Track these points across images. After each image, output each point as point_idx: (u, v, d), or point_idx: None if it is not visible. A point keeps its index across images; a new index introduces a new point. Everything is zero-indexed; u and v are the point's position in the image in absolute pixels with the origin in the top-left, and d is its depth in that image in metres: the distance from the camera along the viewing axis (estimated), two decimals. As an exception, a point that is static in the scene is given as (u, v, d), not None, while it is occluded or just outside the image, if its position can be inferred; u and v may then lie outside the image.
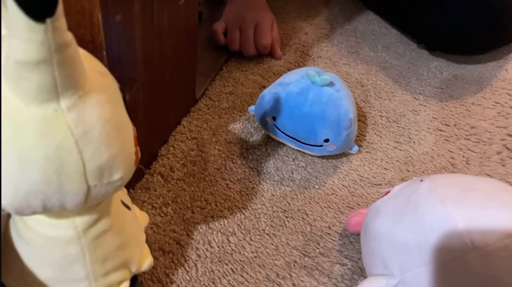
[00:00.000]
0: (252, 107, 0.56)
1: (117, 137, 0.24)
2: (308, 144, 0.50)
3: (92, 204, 0.27)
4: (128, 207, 0.34)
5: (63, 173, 0.23)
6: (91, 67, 0.24)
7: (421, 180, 0.38)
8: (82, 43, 0.33)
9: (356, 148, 0.54)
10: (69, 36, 0.20)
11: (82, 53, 0.25)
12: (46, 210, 0.24)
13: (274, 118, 0.51)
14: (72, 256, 0.29)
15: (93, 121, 0.23)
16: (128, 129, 0.26)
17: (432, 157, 0.57)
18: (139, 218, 0.38)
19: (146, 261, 0.35)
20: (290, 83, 0.50)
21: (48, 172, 0.22)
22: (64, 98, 0.22)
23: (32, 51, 0.19)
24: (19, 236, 0.29)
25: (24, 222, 0.29)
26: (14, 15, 0.18)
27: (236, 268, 0.42)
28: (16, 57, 0.20)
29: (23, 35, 0.19)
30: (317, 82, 0.49)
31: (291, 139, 0.51)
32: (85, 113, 0.22)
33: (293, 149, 0.55)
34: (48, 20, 0.18)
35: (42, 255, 0.29)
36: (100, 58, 0.35)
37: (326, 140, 0.49)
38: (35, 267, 0.30)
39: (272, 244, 0.45)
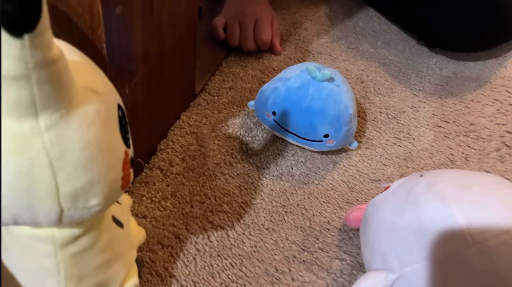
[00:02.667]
0: (251, 102, 0.56)
1: (99, 162, 0.23)
2: (307, 139, 0.50)
3: (68, 224, 0.25)
4: (120, 224, 0.32)
5: (33, 192, 0.22)
6: (84, 84, 0.23)
7: (421, 175, 0.38)
8: (82, 35, 0.33)
9: (355, 144, 0.54)
10: (53, 54, 0.19)
11: (80, 67, 0.24)
12: (18, 223, 0.23)
13: (274, 113, 0.51)
14: (46, 270, 0.27)
15: (73, 143, 0.22)
16: (116, 153, 0.25)
17: (432, 153, 0.57)
18: (134, 235, 0.36)
19: (128, 283, 0.33)
20: (290, 78, 0.50)
21: (17, 189, 0.21)
22: (44, 116, 0.20)
23: (7, 65, 0.18)
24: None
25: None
26: None
27: (235, 263, 0.42)
28: None
29: None
30: (317, 77, 0.49)
31: (291, 134, 0.51)
32: (65, 133, 0.21)
33: (293, 144, 0.55)
34: (26, 36, 0.17)
35: (17, 262, 0.28)
36: (100, 50, 0.34)
37: (326, 136, 0.49)
38: (8, 272, 0.28)
39: (271, 239, 0.45)
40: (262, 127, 0.57)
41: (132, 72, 0.41)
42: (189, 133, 0.55)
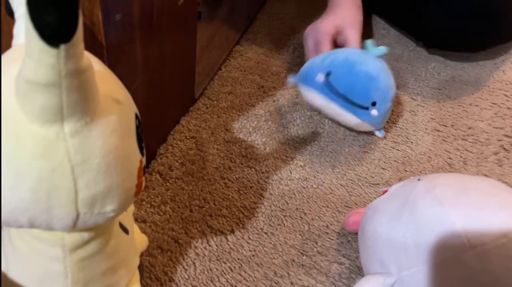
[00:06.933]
0: (291, 78, 0.57)
1: (118, 170, 0.24)
2: (355, 104, 0.51)
3: (81, 228, 0.26)
4: (126, 230, 0.33)
5: (53, 196, 0.22)
6: (107, 93, 0.24)
7: (418, 180, 0.38)
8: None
9: (383, 132, 0.56)
10: (84, 63, 0.20)
11: (103, 77, 0.24)
12: (33, 226, 0.24)
13: (328, 74, 0.52)
14: (54, 274, 0.28)
15: (95, 150, 0.22)
16: (133, 162, 0.25)
17: (430, 157, 0.57)
18: (137, 242, 0.36)
19: None
20: (346, 50, 0.55)
21: (39, 192, 0.22)
22: (69, 123, 0.21)
23: (41, 73, 0.19)
24: (9, 239, 0.29)
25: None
26: (29, 34, 0.18)
27: (234, 267, 0.42)
28: (26, 76, 0.19)
29: (34, 55, 0.19)
30: (373, 51, 0.53)
31: (338, 97, 0.51)
32: (88, 140, 0.22)
33: (292, 148, 0.55)
34: (62, 46, 0.18)
35: (25, 265, 0.28)
36: (100, 57, 0.35)
37: (374, 104, 0.51)
38: (16, 275, 0.29)
39: (270, 243, 0.45)
40: (261, 131, 0.57)
41: (132, 78, 0.41)
42: (188, 137, 0.55)
